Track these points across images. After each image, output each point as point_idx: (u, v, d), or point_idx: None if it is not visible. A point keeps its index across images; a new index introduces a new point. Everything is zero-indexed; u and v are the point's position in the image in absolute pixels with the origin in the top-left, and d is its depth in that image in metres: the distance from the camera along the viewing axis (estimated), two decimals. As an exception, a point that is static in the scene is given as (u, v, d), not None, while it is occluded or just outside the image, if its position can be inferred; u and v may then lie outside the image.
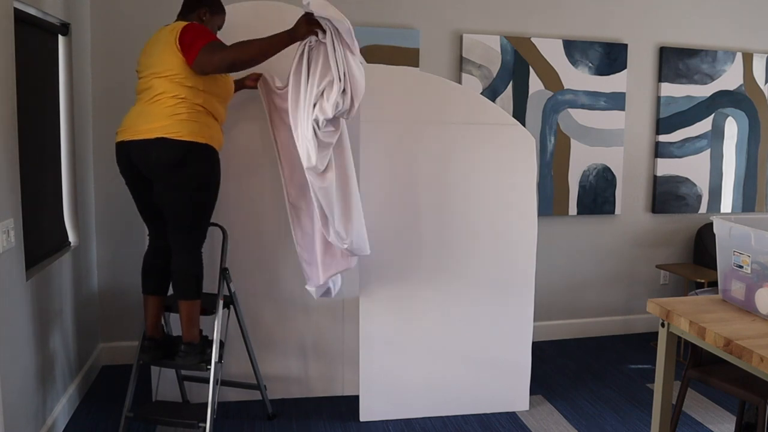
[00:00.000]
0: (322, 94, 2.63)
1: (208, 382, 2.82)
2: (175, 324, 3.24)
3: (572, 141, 4.43)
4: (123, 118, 2.76)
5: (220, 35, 3.02)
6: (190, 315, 2.77)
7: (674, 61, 4.56)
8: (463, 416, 3.35)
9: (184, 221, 2.71)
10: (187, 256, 2.75)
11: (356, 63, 2.63)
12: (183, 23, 2.67)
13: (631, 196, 4.65)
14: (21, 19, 2.70)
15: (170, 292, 3.07)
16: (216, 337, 2.80)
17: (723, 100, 4.70)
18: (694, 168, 4.70)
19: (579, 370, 4.04)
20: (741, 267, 2.19)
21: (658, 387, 2.30)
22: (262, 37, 2.60)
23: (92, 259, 3.76)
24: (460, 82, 4.19)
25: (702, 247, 4.60)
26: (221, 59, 2.54)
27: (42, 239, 2.96)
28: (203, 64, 2.56)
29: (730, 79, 4.69)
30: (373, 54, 4.00)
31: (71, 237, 3.42)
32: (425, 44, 4.15)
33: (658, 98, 4.58)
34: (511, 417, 3.35)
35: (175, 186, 2.64)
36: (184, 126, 2.59)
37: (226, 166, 3.15)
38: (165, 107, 2.60)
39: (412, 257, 3.21)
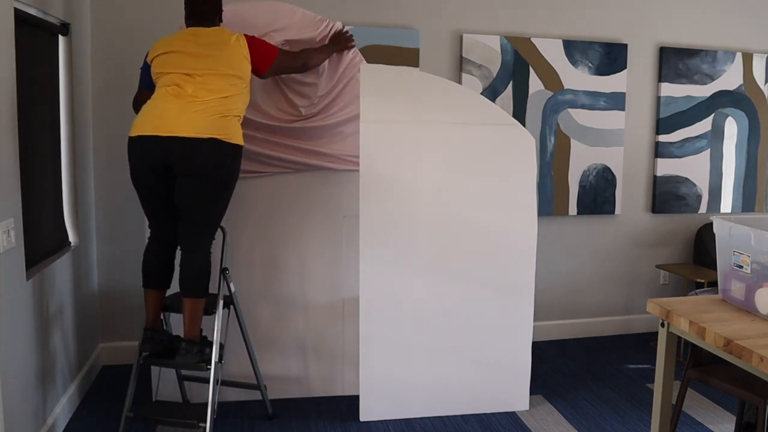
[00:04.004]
0: None
1: (208, 382, 2.82)
2: (174, 325, 3.24)
3: (572, 141, 4.43)
4: (149, 111, 2.66)
5: None
6: (195, 312, 2.78)
7: (674, 61, 4.56)
8: (463, 416, 3.35)
9: (205, 219, 2.73)
10: (200, 253, 2.76)
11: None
12: (234, 34, 2.85)
13: (631, 196, 4.65)
14: (21, 19, 2.70)
15: (170, 290, 3.07)
16: (216, 336, 2.80)
17: (723, 100, 4.70)
18: (694, 168, 4.70)
19: (579, 370, 4.04)
20: (741, 267, 2.19)
21: (658, 387, 2.30)
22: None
23: (92, 259, 3.76)
24: (460, 82, 4.19)
25: (702, 247, 4.60)
26: (297, 64, 3.04)
27: (42, 239, 2.96)
28: (278, 69, 2.97)
29: (730, 79, 4.69)
30: (373, 54, 4.00)
31: (71, 237, 3.42)
32: (425, 44, 4.15)
33: (658, 98, 4.59)
34: (511, 417, 3.35)
35: (210, 185, 2.67)
36: (233, 129, 2.71)
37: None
38: (216, 108, 2.68)
39: (412, 257, 3.21)
